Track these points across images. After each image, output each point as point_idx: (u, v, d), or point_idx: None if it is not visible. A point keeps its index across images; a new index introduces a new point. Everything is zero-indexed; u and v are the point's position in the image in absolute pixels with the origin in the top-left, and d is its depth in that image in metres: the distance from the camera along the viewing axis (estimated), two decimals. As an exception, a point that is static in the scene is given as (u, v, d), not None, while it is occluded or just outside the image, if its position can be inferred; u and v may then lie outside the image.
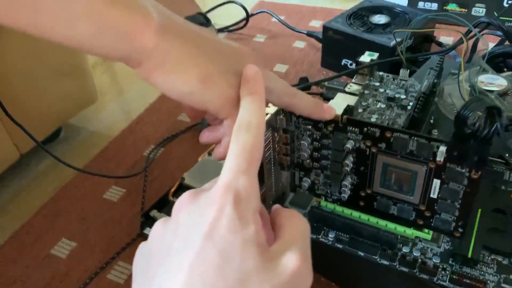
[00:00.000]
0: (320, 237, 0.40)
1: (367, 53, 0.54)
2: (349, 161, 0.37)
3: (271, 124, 0.37)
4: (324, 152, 0.38)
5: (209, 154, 0.58)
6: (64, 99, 0.65)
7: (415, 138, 0.33)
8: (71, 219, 0.56)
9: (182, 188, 0.55)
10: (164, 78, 0.27)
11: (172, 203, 0.52)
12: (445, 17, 0.66)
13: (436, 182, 0.34)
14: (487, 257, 0.36)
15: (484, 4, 0.83)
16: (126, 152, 0.65)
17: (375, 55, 0.53)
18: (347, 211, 0.40)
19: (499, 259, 0.36)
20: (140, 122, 0.71)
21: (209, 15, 0.96)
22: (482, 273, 0.35)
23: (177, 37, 0.26)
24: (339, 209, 0.40)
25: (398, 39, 0.67)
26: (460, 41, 0.62)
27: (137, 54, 0.26)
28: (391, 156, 0.35)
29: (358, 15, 0.76)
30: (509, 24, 0.81)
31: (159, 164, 0.62)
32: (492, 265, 0.35)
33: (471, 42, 0.66)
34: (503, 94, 0.41)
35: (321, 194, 0.41)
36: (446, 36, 0.82)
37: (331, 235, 0.39)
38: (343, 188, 0.38)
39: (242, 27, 0.91)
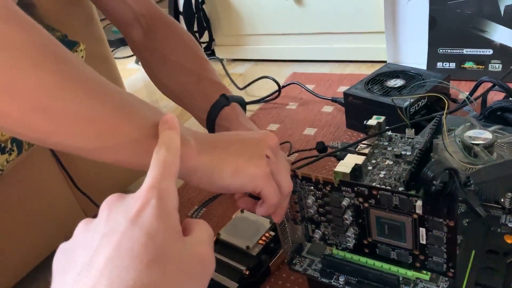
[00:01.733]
0: (332, 281, 0.46)
1: (374, 116, 0.61)
2: (348, 215, 0.43)
3: (282, 186, 0.45)
4: (327, 208, 0.45)
5: (242, 211, 0.65)
6: (123, 168, 0.76)
7: (397, 194, 0.39)
8: None
9: (218, 243, 0.62)
10: (209, 183, 0.38)
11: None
12: (444, 80, 0.73)
13: (422, 230, 0.40)
14: (479, 294, 0.40)
15: (500, 60, 0.88)
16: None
17: (382, 118, 0.61)
18: (356, 257, 0.46)
19: (491, 296, 0.40)
20: (186, 187, 0.81)
21: (247, 89, 1.09)
22: (474, 308, 0.39)
23: (210, 151, 0.38)
24: (348, 255, 0.46)
25: (412, 100, 0.75)
26: (464, 104, 0.67)
27: (188, 172, 0.36)
28: (381, 210, 0.41)
29: (376, 80, 0.83)
30: (526, 76, 0.86)
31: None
32: (483, 301, 0.40)
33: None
34: (488, 146, 0.47)
35: (332, 243, 0.47)
36: (465, 91, 0.88)
37: (342, 279, 0.45)
38: (347, 238, 0.45)
39: (276, 97, 1.01)
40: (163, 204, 0.28)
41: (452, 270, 0.40)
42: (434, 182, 0.34)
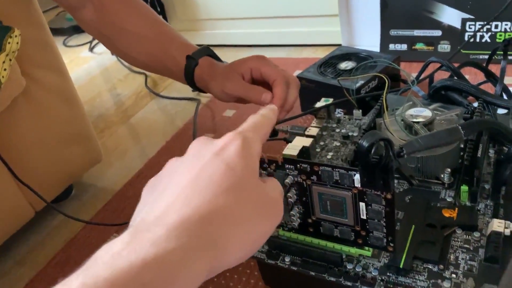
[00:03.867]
0: (278, 262, 0.46)
1: (323, 99, 0.61)
2: (292, 193, 0.43)
3: (226, 168, 0.45)
4: (273, 187, 0.45)
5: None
6: (71, 162, 0.74)
7: (336, 169, 0.39)
8: (78, 266, 0.63)
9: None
10: None
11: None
12: (391, 61, 0.74)
13: (362, 205, 0.40)
14: (420, 266, 0.41)
15: (448, 41, 0.90)
16: (127, 204, 0.73)
17: (330, 100, 0.61)
18: (301, 237, 0.46)
19: (430, 267, 0.41)
20: (140, 176, 0.80)
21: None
22: (414, 280, 0.40)
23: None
24: (294, 236, 0.46)
25: (363, 82, 0.75)
26: (409, 85, 0.69)
27: None
28: (322, 186, 0.41)
29: (329, 63, 0.84)
30: (473, 56, 0.88)
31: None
32: (424, 273, 0.40)
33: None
34: (428, 124, 0.48)
35: (279, 224, 0.47)
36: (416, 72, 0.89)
37: (287, 260, 0.45)
38: (292, 218, 0.45)
39: (231, 82, 1.00)
40: (247, 146, 0.30)
41: (392, 245, 0.41)
42: (369, 153, 0.35)
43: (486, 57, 0.68)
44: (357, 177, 0.38)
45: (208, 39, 1.26)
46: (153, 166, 0.81)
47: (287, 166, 0.42)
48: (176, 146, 0.85)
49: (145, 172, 0.80)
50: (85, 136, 0.75)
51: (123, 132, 0.96)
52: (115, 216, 0.71)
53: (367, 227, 0.41)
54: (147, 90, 1.09)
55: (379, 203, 0.39)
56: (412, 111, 0.49)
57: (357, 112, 0.60)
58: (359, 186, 0.39)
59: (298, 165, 0.42)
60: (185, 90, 1.04)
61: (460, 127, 0.36)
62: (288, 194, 0.43)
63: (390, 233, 0.40)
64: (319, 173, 0.41)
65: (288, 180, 0.43)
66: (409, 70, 0.89)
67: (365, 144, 0.35)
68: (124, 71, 1.22)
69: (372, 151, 0.35)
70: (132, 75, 1.19)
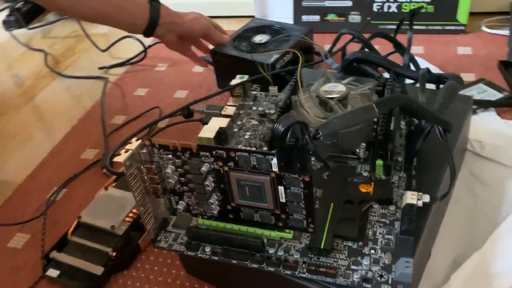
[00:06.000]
0: (198, 253, 0.43)
1: (238, 76, 0.59)
2: (209, 181, 0.41)
3: (135, 159, 0.41)
4: (188, 176, 0.42)
5: (106, 188, 0.60)
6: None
7: (253, 154, 0.38)
8: (-26, 275, 0.56)
9: (80, 227, 0.57)
10: None
11: (72, 242, 0.54)
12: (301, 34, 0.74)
13: (281, 189, 0.39)
14: (340, 244, 0.41)
15: (358, 11, 0.91)
16: (30, 198, 0.66)
17: (245, 77, 0.59)
18: (221, 225, 0.44)
19: (350, 245, 0.41)
20: (43, 166, 0.73)
21: (111, 51, 0.99)
22: (335, 260, 0.40)
23: None
24: (214, 224, 0.44)
25: (277, 56, 0.74)
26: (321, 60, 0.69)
27: None
28: (240, 172, 0.39)
29: (243, 37, 0.81)
30: (382, 27, 0.90)
31: (61, 205, 0.64)
32: (344, 251, 0.41)
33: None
34: (342, 99, 0.47)
35: (197, 213, 0.44)
36: (329, 44, 0.90)
37: (208, 250, 0.43)
38: (210, 206, 0.42)
39: (142, 59, 0.94)
40: None
41: (312, 226, 0.40)
42: (285, 137, 0.33)
43: (394, 27, 0.69)
44: (274, 161, 0.37)
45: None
46: (59, 154, 0.74)
47: (202, 153, 0.40)
48: (83, 131, 0.79)
49: (50, 160, 0.73)
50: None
51: (23, 117, 0.87)
52: (18, 213, 0.64)
53: (287, 210, 0.40)
54: (48, 69, 0.98)
55: (298, 186, 0.38)
56: (326, 87, 0.48)
57: (273, 89, 0.59)
58: (277, 170, 0.37)
59: (214, 152, 0.39)
60: (90, 68, 0.96)
61: (374, 105, 0.36)
62: (205, 182, 0.41)
63: (309, 214, 0.40)
64: (236, 159, 0.39)
65: (204, 168, 0.40)
66: (322, 42, 0.89)
67: (281, 128, 0.33)
68: (20, 48, 1.09)
69: (288, 134, 0.34)
70: (30, 52, 1.07)
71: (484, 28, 0.86)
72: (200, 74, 0.90)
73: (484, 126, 0.62)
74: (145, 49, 0.92)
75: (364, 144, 0.48)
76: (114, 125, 0.78)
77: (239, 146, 0.50)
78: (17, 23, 1.16)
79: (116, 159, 0.40)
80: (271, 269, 0.41)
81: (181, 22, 0.73)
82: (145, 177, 0.43)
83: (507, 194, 0.53)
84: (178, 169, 0.42)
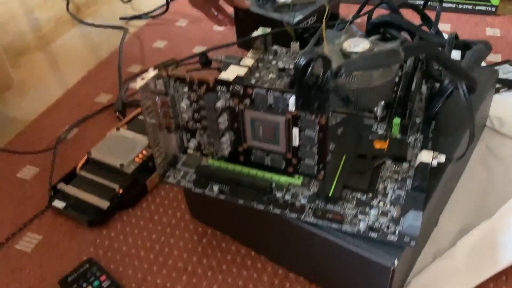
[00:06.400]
0: (206, 190, 0.43)
1: (260, 28, 0.58)
2: (223, 119, 0.40)
3: (150, 89, 0.41)
4: (203, 113, 0.41)
5: (117, 129, 0.60)
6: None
7: (271, 92, 0.37)
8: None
9: (90, 162, 0.57)
10: None
11: (80, 176, 0.54)
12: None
13: (295, 131, 0.38)
14: (349, 195, 0.41)
15: (388, -16, 0.89)
16: (42, 134, 0.67)
17: (268, 30, 0.57)
18: (231, 166, 0.44)
19: (359, 196, 0.40)
20: (57, 106, 0.73)
21: (133, 2, 0.99)
22: (343, 208, 0.40)
23: None
24: (224, 165, 0.44)
25: (301, 17, 0.73)
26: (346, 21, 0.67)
27: None
28: (255, 110, 0.39)
29: (267, -2, 0.80)
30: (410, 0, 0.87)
31: (72, 144, 0.64)
32: (352, 201, 0.40)
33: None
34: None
35: (208, 153, 0.44)
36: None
37: (215, 188, 0.43)
38: (222, 145, 0.42)
39: (163, 13, 0.93)
40: None
41: (322, 172, 0.40)
42: (306, 72, 0.32)
43: (422, 1, 0.67)
44: (292, 100, 0.36)
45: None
46: (73, 96, 0.74)
47: (219, 88, 0.39)
48: (99, 76, 0.78)
49: (64, 101, 0.73)
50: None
51: (39, 59, 0.87)
52: (29, 147, 0.65)
53: (299, 154, 0.40)
54: (69, 15, 0.98)
55: (313, 128, 0.37)
56: (350, 42, 0.47)
57: (295, 45, 0.58)
58: (294, 109, 0.37)
59: (231, 87, 0.38)
60: (111, 18, 0.95)
61: (400, 49, 0.35)
62: (219, 119, 0.40)
63: (321, 160, 0.39)
64: (253, 96, 0.38)
65: (219, 104, 0.39)
66: (348, 11, 0.87)
67: (302, 61, 0.33)
68: (41, -6, 1.09)
69: (309, 70, 0.33)
70: (51, 0, 1.06)
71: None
72: (221, 32, 0.88)
73: (505, 105, 0.61)
74: (168, 2, 0.91)
75: (383, 102, 0.47)
76: (130, 73, 0.77)
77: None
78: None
79: (132, 85, 0.39)
80: (277, 211, 0.40)
81: None
82: (159, 110, 0.42)
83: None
84: (193, 104, 0.41)
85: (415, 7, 0.69)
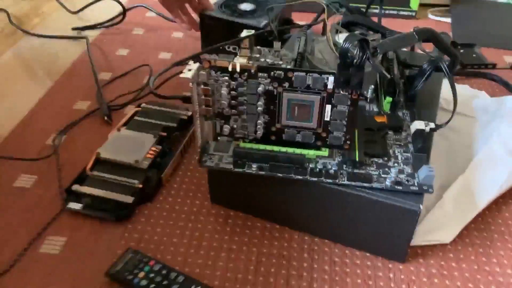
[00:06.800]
0: (245, 169, 0.48)
1: (245, 30, 0.64)
2: (261, 102, 0.46)
3: (194, 79, 0.45)
4: (240, 99, 0.46)
5: (118, 130, 0.61)
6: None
7: (310, 74, 0.44)
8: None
9: (100, 162, 0.58)
10: None
11: (92, 177, 0.55)
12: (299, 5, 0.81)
13: (328, 107, 0.45)
14: (368, 160, 0.48)
15: (325, -7, 1.01)
16: (26, 145, 0.65)
17: (252, 31, 0.64)
18: (262, 147, 0.49)
19: (376, 160, 0.49)
20: (34, 116, 0.71)
21: (85, 12, 0.98)
22: (367, 171, 0.47)
23: None
24: (256, 146, 0.49)
25: (266, 21, 0.80)
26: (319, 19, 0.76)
27: None
28: (293, 92, 0.45)
29: (228, 5, 0.86)
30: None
31: (64, 150, 0.63)
32: (373, 165, 0.48)
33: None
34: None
35: (240, 137, 0.49)
36: (304, 21, 0.98)
37: (254, 166, 0.48)
38: (258, 127, 0.48)
39: (119, 22, 0.94)
40: None
41: (349, 142, 0.47)
42: (349, 54, 0.40)
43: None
44: (330, 79, 0.43)
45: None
46: (48, 105, 0.73)
47: (260, 74, 0.45)
48: (69, 85, 0.78)
49: (40, 111, 0.72)
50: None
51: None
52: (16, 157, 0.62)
53: (329, 128, 0.47)
54: (14, 26, 0.94)
55: (345, 103, 0.45)
56: (341, 36, 0.56)
57: (277, 44, 0.65)
58: (331, 88, 0.44)
59: (272, 73, 0.44)
60: (60, 30, 0.94)
61: (414, 33, 0.44)
62: (258, 103, 0.46)
63: (349, 131, 0.47)
64: (293, 79, 0.44)
65: (260, 88, 0.45)
66: (301, 19, 0.96)
67: (348, 45, 0.40)
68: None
69: (354, 51, 0.40)
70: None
71: (430, 16, 1.01)
72: (180, 40, 0.92)
73: (445, 87, 0.74)
74: (125, 11, 0.92)
75: (372, 86, 0.56)
76: (102, 81, 0.78)
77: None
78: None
79: (181, 75, 0.43)
80: (314, 179, 0.47)
81: None
82: (200, 99, 0.46)
83: (474, 136, 0.64)
84: (232, 92, 0.46)
85: (360, 12, 0.80)
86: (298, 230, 0.53)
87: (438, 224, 0.53)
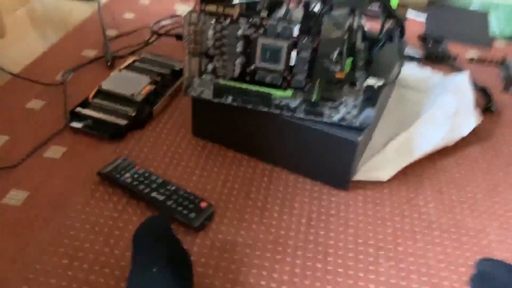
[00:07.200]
0: (221, 100, 0.58)
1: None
2: (240, 45, 0.56)
3: (187, 19, 0.55)
4: (223, 41, 0.57)
5: (119, 70, 0.72)
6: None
7: (281, 23, 0.54)
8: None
9: (101, 92, 0.68)
10: None
11: (93, 104, 0.65)
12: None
13: (293, 53, 0.56)
14: (323, 103, 0.59)
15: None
16: (37, 78, 0.74)
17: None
18: (238, 84, 0.59)
19: (330, 104, 0.59)
20: (45, 58, 0.81)
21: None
22: (322, 109, 0.58)
23: None
24: (233, 83, 0.59)
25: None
26: None
27: None
28: (266, 38, 0.55)
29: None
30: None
31: (71, 84, 0.73)
32: (326, 106, 0.58)
33: None
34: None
35: (220, 75, 0.59)
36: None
37: (230, 98, 0.58)
38: (236, 66, 0.58)
39: (127, -10, 1.04)
40: None
41: (308, 85, 0.58)
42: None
43: None
44: (296, 28, 0.54)
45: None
46: (59, 50, 0.83)
47: (241, 20, 0.55)
48: (79, 36, 0.88)
49: (51, 54, 0.82)
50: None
51: (15, 20, 0.92)
52: (28, 87, 0.72)
53: (293, 71, 0.57)
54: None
55: (307, 50, 0.55)
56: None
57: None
58: (296, 35, 0.54)
59: (251, 19, 0.55)
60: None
61: (366, -4, 0.55)
62: (238, 44, 0.56)
63: (309, 75, 0.57)
64: (266, 26, 0.55)
65: (239, 32, 0.55)
66: None
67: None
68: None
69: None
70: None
71: (408, 15, 1.12)
72: (181, 14, 1.03)
73: (408, 70, 0.85)
74: (134, -19, 1.03)
75: (338, 49, 0.66)
76: (108, 36, 0.88)
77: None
78: None
79: (180, 13, 0.53)
80: (277, 111, 0.57)
81: None
82: (189, 38, 0.57)
83: (423, 105, 0.75)
84: (216, 34, 0.57)
85: None
86: (263, 160, 0.63)
87: (379, 165, 0.64)
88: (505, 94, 0.84)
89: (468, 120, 0.70)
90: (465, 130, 0.69)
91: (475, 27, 1.07)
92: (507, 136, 0.73)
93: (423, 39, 1.00)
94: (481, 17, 1.10)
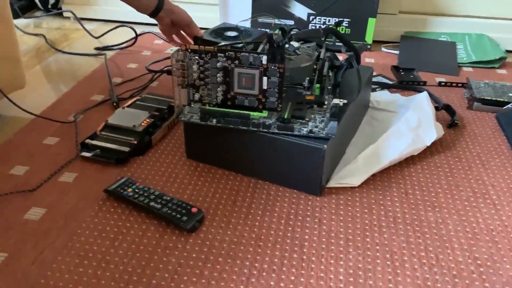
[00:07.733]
0: (207, 122, 0.69)
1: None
2: (220, 75, 0.67)
3: (174, 57, 0.66)
4: (206, 72, 0.68)
5: (123, 108, 0.83)
6: None
7: (252, 54, 0.65)
8: (20, 158, 0.75)
9: (107, 126, 0.79)
10: None
11: (101, 136, 0.76)
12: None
13: (265, 79, 0.66)
14: (295, 121, 0.69)
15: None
16: (54, 118, 0.86)
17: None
18: (222, 109, 0.70)
19: (300, 121, 0.68)
20: (59, 103, 0.93)
21: (105, 37, 1.23)
22: (292, 125, 0.67)
23: None
24: (217, 109, 0.70)
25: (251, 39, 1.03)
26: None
27: None
28: (241, 67, 0.66)
29: (217, 32, 1.10)
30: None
31: (81, 124, 0.85)
32: (297, 123, 0.68)
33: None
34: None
35: (206, 102, 0.70)
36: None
37: (214, 120, 0.69)
38: (218, 94, 0.68)
39: (131, 45, 1.19)
40: None
41: (280, 106, 0.68)
42: (273, 40, 0.61)
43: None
44: (264, 57, 0.64)
45: (100, 14, 1.41)
46: (71, 96, 0.95)
47: (219, 54, 0.66)
48: (88, 84, 1.00)
49: (64, 99, 0.94)
50: (12, 58, 0.85)
51: (31, 73, 1.06)
52: (45, 127, 0.84)
53: (266, 94, 0.67)
54: (48, 46, 1.19)
55: (275, 75, 0.66)
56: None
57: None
58: (265, 63, 0.65)
59: (227, 53, 0.66)
60: (85, 50, 1.18)
61: (320, 29, 0.66)
62: (218, 75, 0.67)
63: (279, 97, 0.67)
64: (240, 58, 0.66)
65: (219, 65, 0.67)
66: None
67: (271, 32, 0.62)
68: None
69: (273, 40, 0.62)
70: (27, 36, 1.27)
71: (383, 49, 1.24)
72: (178, 60, 1.16)
73: (380, 95, 0.95)
74: (136, 36, 1.17)
75: (308, 78, 0.77)
76: (114, 83, 1.01)
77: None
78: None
79: (168, 51, 0.65)
80: (255, 128, 0.67)
81: (176, 12, 1.00)
82: (177, 72, 0.68)
83: (391, 122, 0.84)
84: (200, 68, 0.68)
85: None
86: (247, 175, 0.72)
87: (351, 173, 0.72)
88: (469, 111, 0.94)
89: (430, 132, 0.79)
90: (428, 141, 0.78)
91: (444, 57, 1.18)
92: (469, 146, 0.82)
93: (397, 69, 1.11)
94: (450, 47, 1.22)
